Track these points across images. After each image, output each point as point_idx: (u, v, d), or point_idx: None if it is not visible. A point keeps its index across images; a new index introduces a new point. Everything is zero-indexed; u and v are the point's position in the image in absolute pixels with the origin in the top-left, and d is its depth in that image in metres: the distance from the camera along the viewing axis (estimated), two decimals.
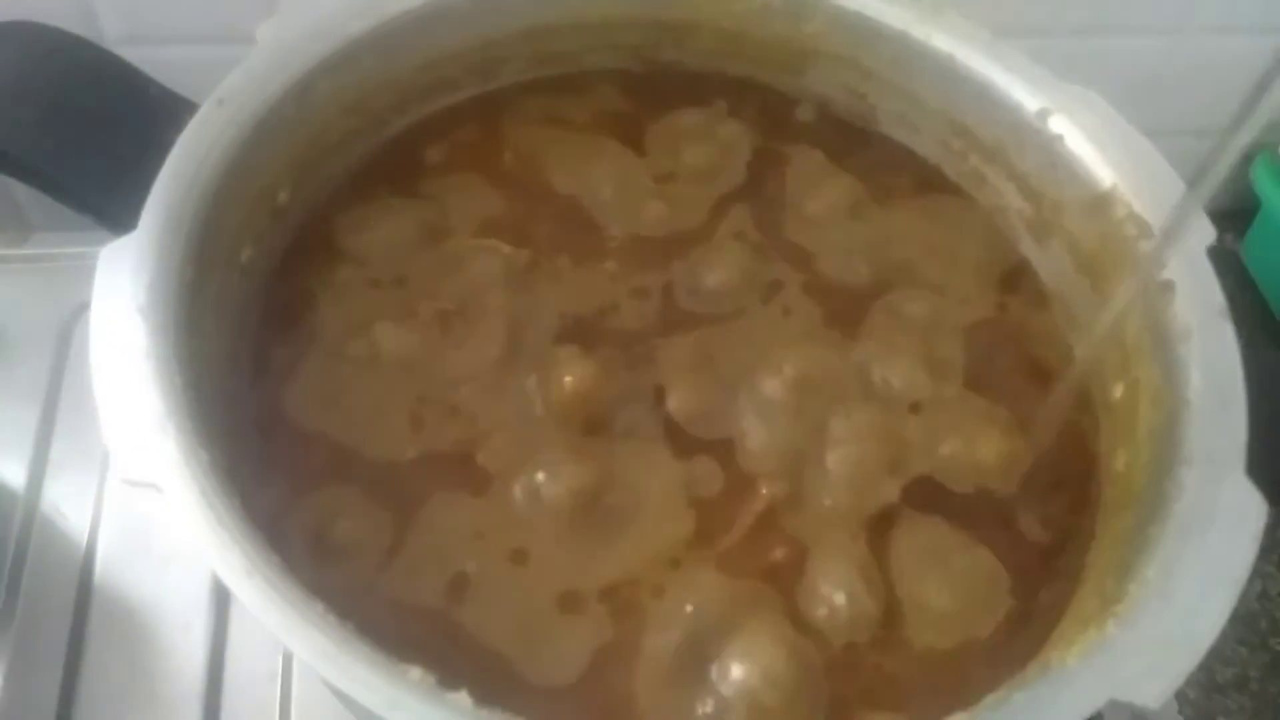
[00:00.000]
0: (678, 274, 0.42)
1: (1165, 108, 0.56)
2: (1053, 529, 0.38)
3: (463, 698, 0.27)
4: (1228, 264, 0.55)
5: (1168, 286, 0.37)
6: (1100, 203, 0.40)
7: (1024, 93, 0.42)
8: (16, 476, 0.48)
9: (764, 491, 0.36)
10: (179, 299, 0.32)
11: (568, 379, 0.37)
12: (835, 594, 0.34)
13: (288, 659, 0.44)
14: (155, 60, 0.40)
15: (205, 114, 0.36)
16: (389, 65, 0.42)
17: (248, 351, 0.37)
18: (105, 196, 0.35)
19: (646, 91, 0.47)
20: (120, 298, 0.31)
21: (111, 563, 0.46)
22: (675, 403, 0.38)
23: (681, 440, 0.37)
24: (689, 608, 0.33)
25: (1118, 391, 0.39)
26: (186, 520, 0.28)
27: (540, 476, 0.35)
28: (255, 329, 0.38)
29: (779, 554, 0.35)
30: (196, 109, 0.37)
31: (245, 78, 0.37)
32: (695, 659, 0.33)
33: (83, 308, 0.52)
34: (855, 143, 0.47)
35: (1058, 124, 0.41)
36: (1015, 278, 0.44)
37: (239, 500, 0.29)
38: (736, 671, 0.32)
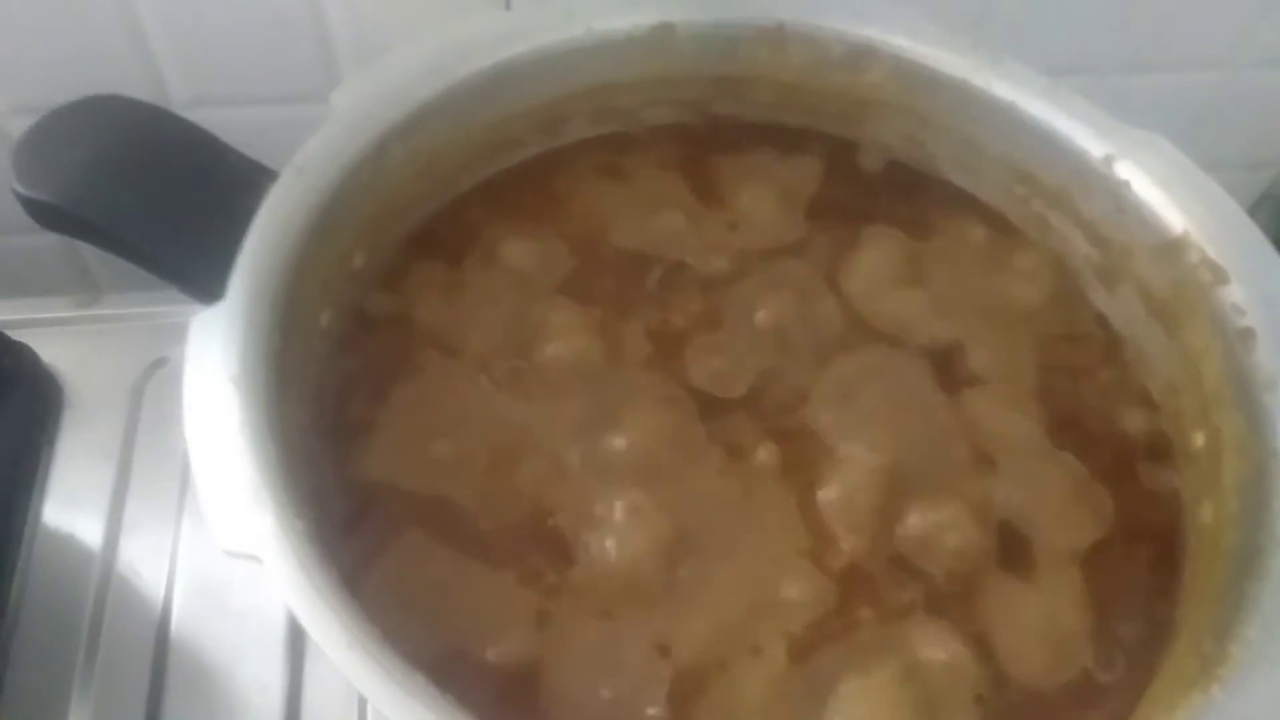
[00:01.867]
0: (747, 329, 0.42)
1: (1217, 141, 0.56)
2: (1138, 580, 0.37)
3: None
4: None
5: (1248, 334, 0.37)
6: (1172, 249, 0.40)
7: (1088, 138, 0.42)
8: (93, 536, 0.49)
9: (845, 549, 0.36)
10: (267, 367, 0.33)
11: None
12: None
13: (362, 717, 0.44)
14: (222, 122, 0.41)
15: (286, 181, 0.37)
16: (458, 127, 0.42)
17: (329, 415, 0.38)
18: (192, 265, 0.36)
19: (707, 145, 0.47)
20: (213, 367, 0.32)
21: (187, 622, 0.46)
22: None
23: None
24: None
25: (1199, 440, 0.38)
26: (287, 592, 0.28)
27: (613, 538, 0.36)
28: (335, 392, 0.38)
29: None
30: (274, 175, 0.37)
31: (323, 145, 0.38)
32: None
33: (154, 366, 0.53)
34: (916, 188, 0.47)
35: (1124, 169, 0.41)
36: (1086, 323, 0.44)
37: (336, 570, 0.29)
38: None
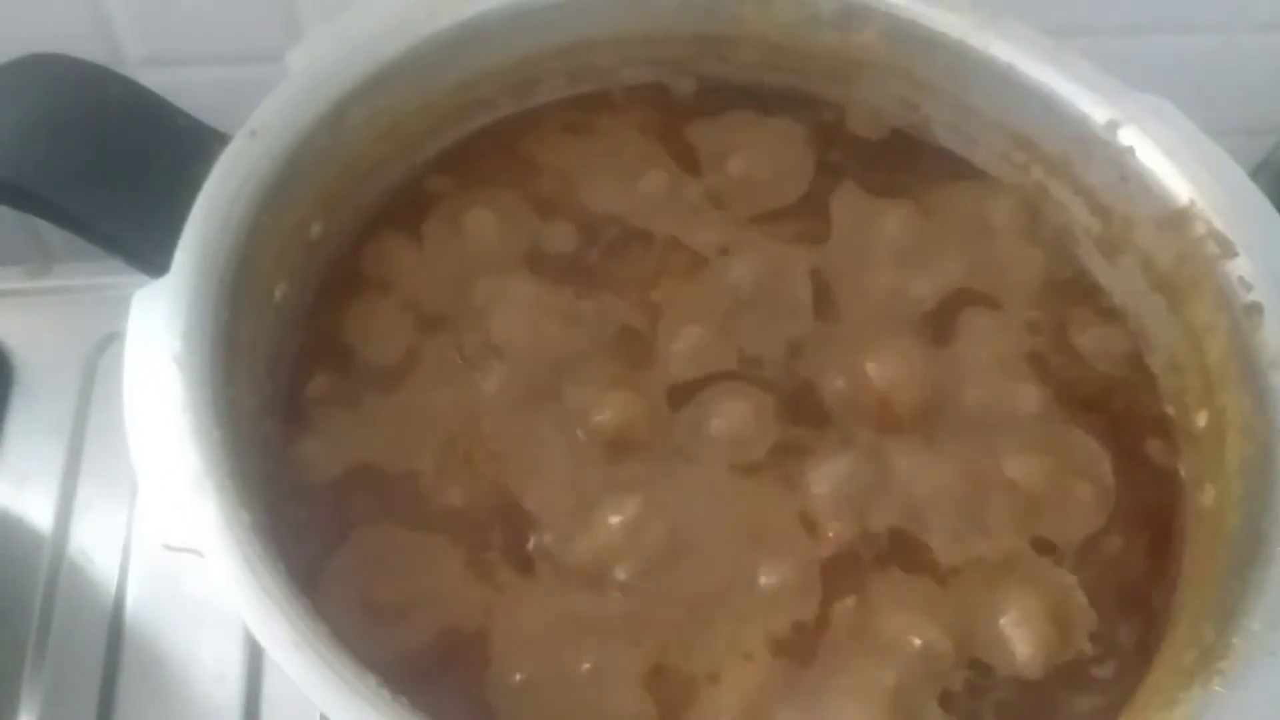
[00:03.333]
0: (730, 300, 0.40)
1: (1217, 106, 0.54)
2: (1134, 563, 0.36)
3: None
4: None
5: (1255, 309, 0.35)
6: (1176, 219, 0.38)
7: (1091, 103, 0.40)
8: (43, 517, 0.47)
9: (830, 535, 0.35)
10: (214, 345, 0.31)
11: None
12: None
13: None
14: (178, 82, 0.39)
15: (237, 147, 0.34)
16: (423, 88, 0.40)
17: (282, 395, 0.36)
18: (136, 235, 0.34)
19: (688, 106, 0.45)
20: (155, 346, 0.30)
21: (142, 609, 0.44)
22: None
23: None
24: None
25: (1201, 420, 0.37)
26: (230, 589, 0.26)
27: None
28: (290, 370, 0.36)
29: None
30: (226, 139, 0.35)
31: (277, 107, 0.35)
32: None
33: (107, 340, 0.51)
34: (909, 153, 0.44)
35: (1128, 135, 0.39)
36: (1081, 294, 0.42)
37: (283, 564, 0.27)
38: None
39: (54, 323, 0.52)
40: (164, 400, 0.29)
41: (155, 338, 0.30)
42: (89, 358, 0.50)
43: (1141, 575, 0.36)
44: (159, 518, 0.27)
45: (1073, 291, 0.42)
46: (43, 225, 0.56)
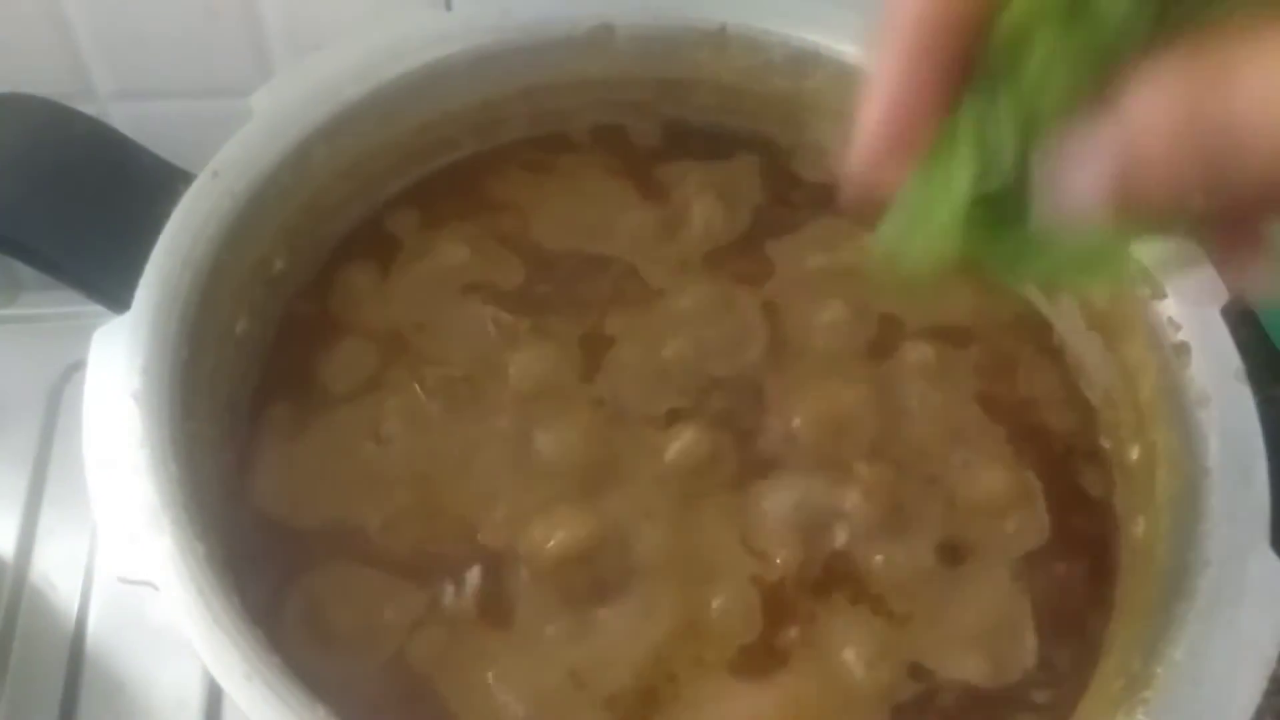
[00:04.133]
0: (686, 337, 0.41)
1: None
2: (1073, 592, 0.37)
3: None
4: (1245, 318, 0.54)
5: (1183, 349, 0.37)
6: None
7: None
8: (5, 544, 0.47)
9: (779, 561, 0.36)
10: (173, 380, 0.32)
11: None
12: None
13: None
14: (149, 117, 0.40)
15: (200, 186, 0.35)
16: (387, 129, 0.41)
17: (242, 428, 0.36)
18: (101, 273, 0.35)
19: (647, 147, 0.46)
20: (114, 382, 0.30)
21: (103, 636, 0.44)
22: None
23: None
24: None
25: (1134, 454, 0.38)
26: (183, 621, 0.27)
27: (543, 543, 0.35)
28: (249, 404, 0.37)
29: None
30: (191, 179, 0.36)
31: (241, 148, 0.36)
32: None
33: (73, 369, 0.51)
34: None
35: None
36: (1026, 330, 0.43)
37: (237, 597, 0.28)
38: None
39: (19, 350, 0.52)
40: (122, 436, 0.30)
41: (115, 374, 0.31)
42: (54, 386, 0.51)
43: (1081, 602, 0.37)
44: (115, 551, 0.28)
45: (1018, 328, 0.43)
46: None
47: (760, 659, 0.34)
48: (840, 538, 0.36)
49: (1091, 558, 0.37)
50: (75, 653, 0.44)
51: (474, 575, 0.35)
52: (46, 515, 0.48)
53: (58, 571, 0.46)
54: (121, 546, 0.28)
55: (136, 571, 0.27)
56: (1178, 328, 0.37)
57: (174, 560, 0.28)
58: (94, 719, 0.43)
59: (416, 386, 0.39)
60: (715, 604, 0.35)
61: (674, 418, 0.39)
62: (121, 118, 0.52)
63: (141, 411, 0.30)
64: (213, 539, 0.29)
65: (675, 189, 0.45)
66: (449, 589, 0.34)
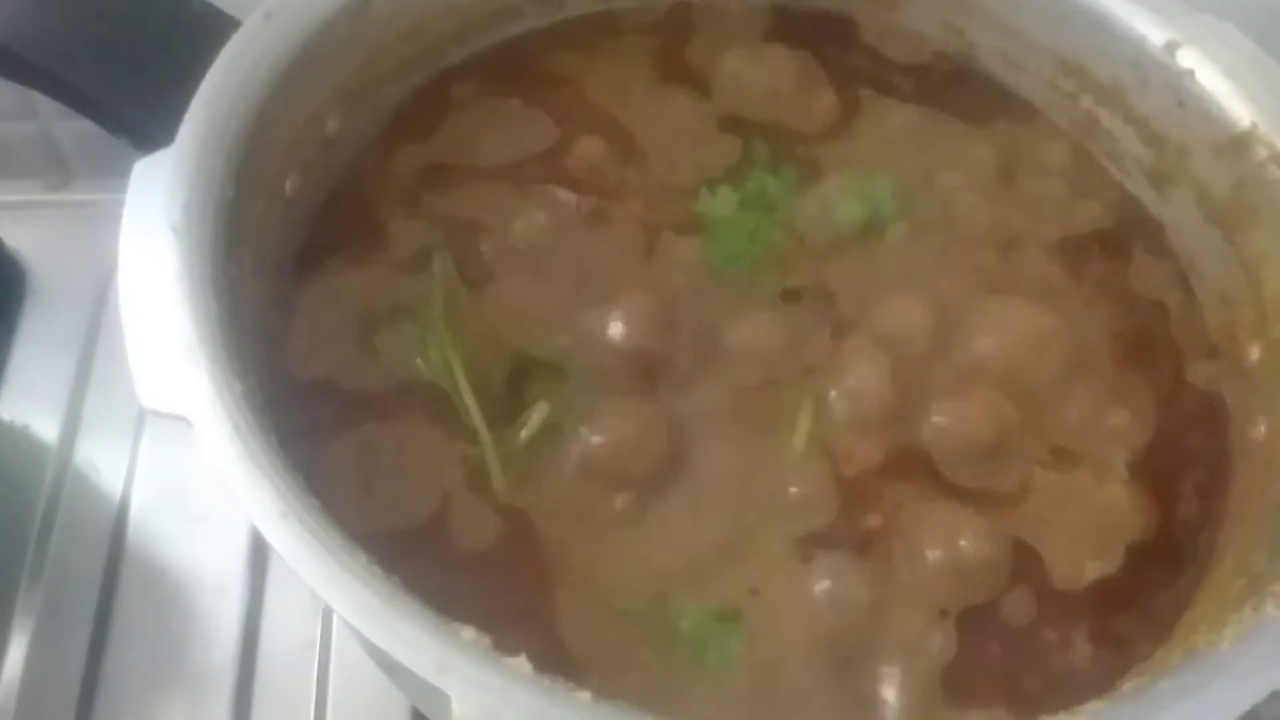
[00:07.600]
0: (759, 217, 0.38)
1: None
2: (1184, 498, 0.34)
3: (521, 663, 0.23)
4: None
5: None
6: (1236, 144, 0.36)
7: (1149, 23, 0.38)
8: (49, 430, 0.46)
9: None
10: (217, 219, 0.30)
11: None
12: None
13: (326, 627, 0.41)
14: None
15: (252, 27, 0.33)
16: None
17: (288, 291, 0.34)
18: (143, 114, 0.33)
19: (720, 26, 0.43)
20: (154, 215, 0.28)
21: (145, 521, 0.43)
22: None
23: None
24: None
25: (1254, 353, 0.35)
26: (216, 456, 0.25)
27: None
28: (297, 267, 0.35)
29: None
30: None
31: None
32: None
33: None
34: (950, 83, 0.43)
35: (1187, 57, 0.37)
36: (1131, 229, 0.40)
37: (275, 437, 0.26)
38: None
39: (70, 237, 0.51)
40: (160, 269, 0.28)
41: (155, 206, 0.29)
42: (104, 273, 0.49)
43: (1191, 510, 0.34)
44: (144, 382, 0.26)
45: (1123, 227, 0.40)
46: (64, 138, 0.56)
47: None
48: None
49: (1206, 464, 0.34)
50: (117, 537, 0.43)
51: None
52: (92, 400, 0.47)
53: (102, 457, 0.45)
54: (155, 379, 0.26)
55: (169, 404, 0.25)
56: None
57: (209, 395, 0.26)
58: (134, 603, 0.42)
59: (476, 256, 0.36)
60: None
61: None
62: None
63: (181, 245, 0.28)
64: (251, 382, 0.27)
65: (743, 72, 0.42)
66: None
